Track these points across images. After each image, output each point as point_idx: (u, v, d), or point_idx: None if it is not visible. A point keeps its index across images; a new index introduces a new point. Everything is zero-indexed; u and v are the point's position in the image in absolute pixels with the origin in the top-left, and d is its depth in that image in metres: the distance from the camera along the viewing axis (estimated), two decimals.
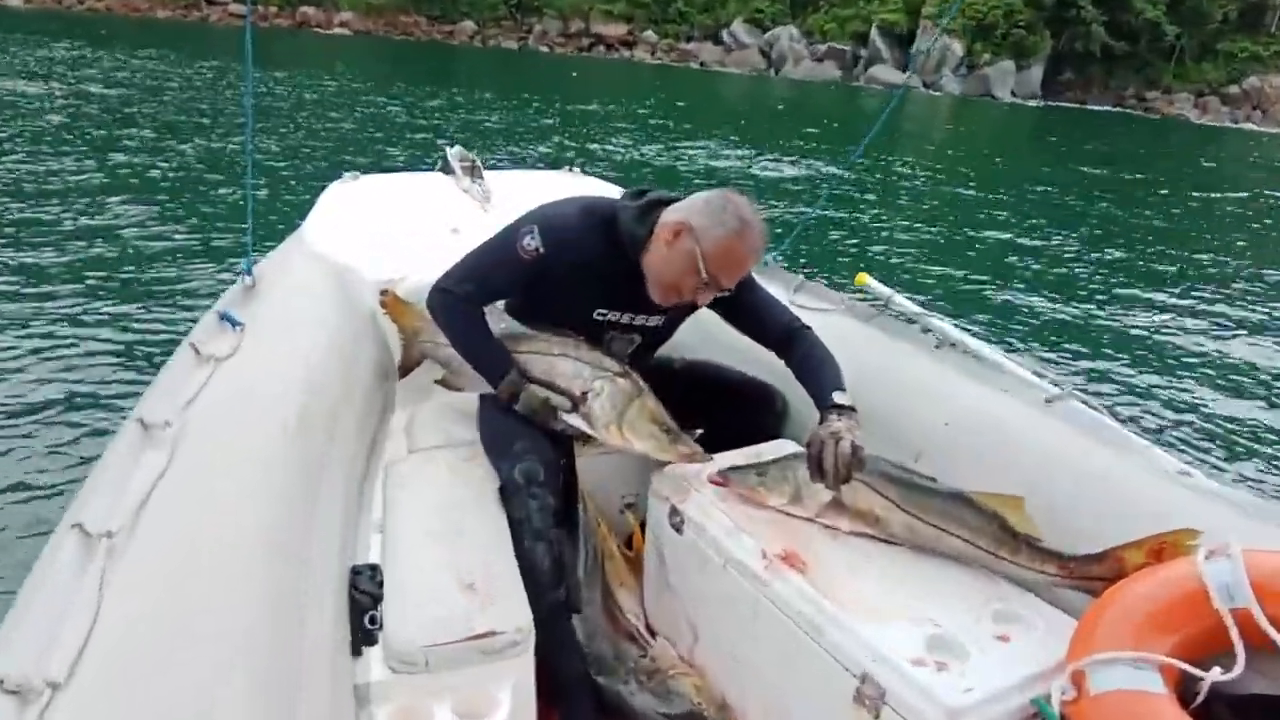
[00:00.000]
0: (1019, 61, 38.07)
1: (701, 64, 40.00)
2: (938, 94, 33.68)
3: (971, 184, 12.98)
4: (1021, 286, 7.61)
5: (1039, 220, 10.64)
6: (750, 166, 12.68)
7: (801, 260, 7.32)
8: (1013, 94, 37.29)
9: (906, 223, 9.85)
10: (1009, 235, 9.66)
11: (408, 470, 1.97)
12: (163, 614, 1.13)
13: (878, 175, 12.85)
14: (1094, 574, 1.52)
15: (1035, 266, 8.37)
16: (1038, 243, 9.43)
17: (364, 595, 1.51)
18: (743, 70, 39.00)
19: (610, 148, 12.85)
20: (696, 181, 10.86)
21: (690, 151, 13.47)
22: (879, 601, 1.50)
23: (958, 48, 37.67)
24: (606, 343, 2.04)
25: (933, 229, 9.71)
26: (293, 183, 8.78)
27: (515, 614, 1.52)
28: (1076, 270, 8.48)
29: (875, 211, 10.34)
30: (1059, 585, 1.56)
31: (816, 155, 14.28)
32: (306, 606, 1.34)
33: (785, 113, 21.93)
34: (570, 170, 3.57)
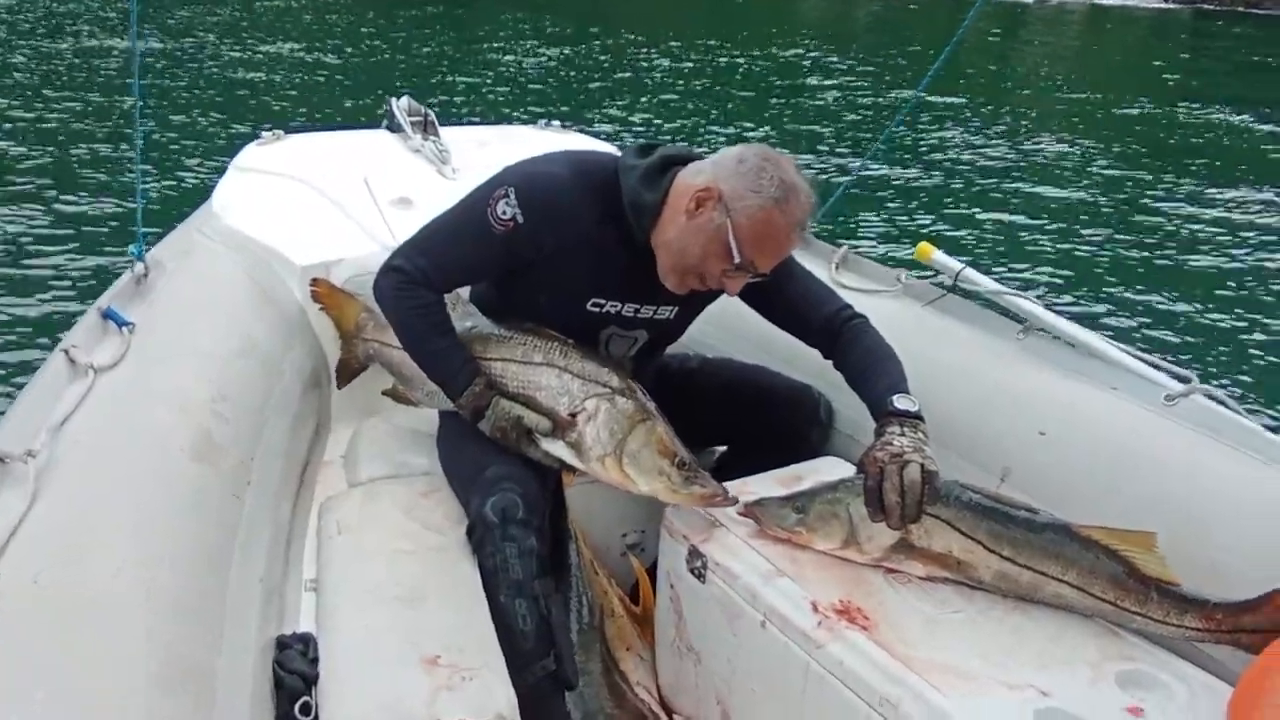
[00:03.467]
0: None
1: None
2: (1063, 3, 32.89)
3: (1088, 122, 12.57)
4: (1135, 266, 7.30)
5: (1176, 172, 10.12)
6: (787, 110, 12.54)
7: (845, 227, 7.21)
8: None
9: (990, 180, 9.58)
10: (1129, 191, 9.31)
11: (348, 510, 1.91)
12: (21, 711, 1.04)
13: (958, 116, 12.65)
14: (1249, 625, 1.45)
15: (1155, 243, 8.04)
16: (1169, 201, 8.94)
17: (293, 675, 1.44)
18: None
19: (619, 102, 12.73)
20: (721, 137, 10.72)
21: (735, 97, 13.30)
22: (967, 665, 1.43)
23: None
24: (603, 342, 1.97)
25: (1027, 186, 9.42)
26: (197, 145, 8.67)
27: (494, 695, 1.46)
28: (1224, 237, 8.02)
29: (947, 164, 10.10)
30: (1203, 640, 1.49)
31: (880, 89, 14.07)
32: (216, 692, 1.27)
33: (868, 30, 21.43)
34: (548, 125, 3.50)
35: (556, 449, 1.84)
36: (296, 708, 1.40)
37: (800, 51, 16.78)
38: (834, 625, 1.51)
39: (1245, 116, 13.08)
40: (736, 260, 1.75)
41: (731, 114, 12.05)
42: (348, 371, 2.29)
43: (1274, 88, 15.59)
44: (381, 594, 1.65)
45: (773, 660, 1.57)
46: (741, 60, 16.10)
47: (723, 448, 2.25)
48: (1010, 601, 1.57)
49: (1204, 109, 13.38)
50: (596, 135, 3.44)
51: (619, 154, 1.94)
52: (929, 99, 12.15)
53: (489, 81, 13.25)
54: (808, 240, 2.51)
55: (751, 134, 10.90)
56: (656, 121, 11.50)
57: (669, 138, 10.49)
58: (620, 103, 12.52)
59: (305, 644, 1.51)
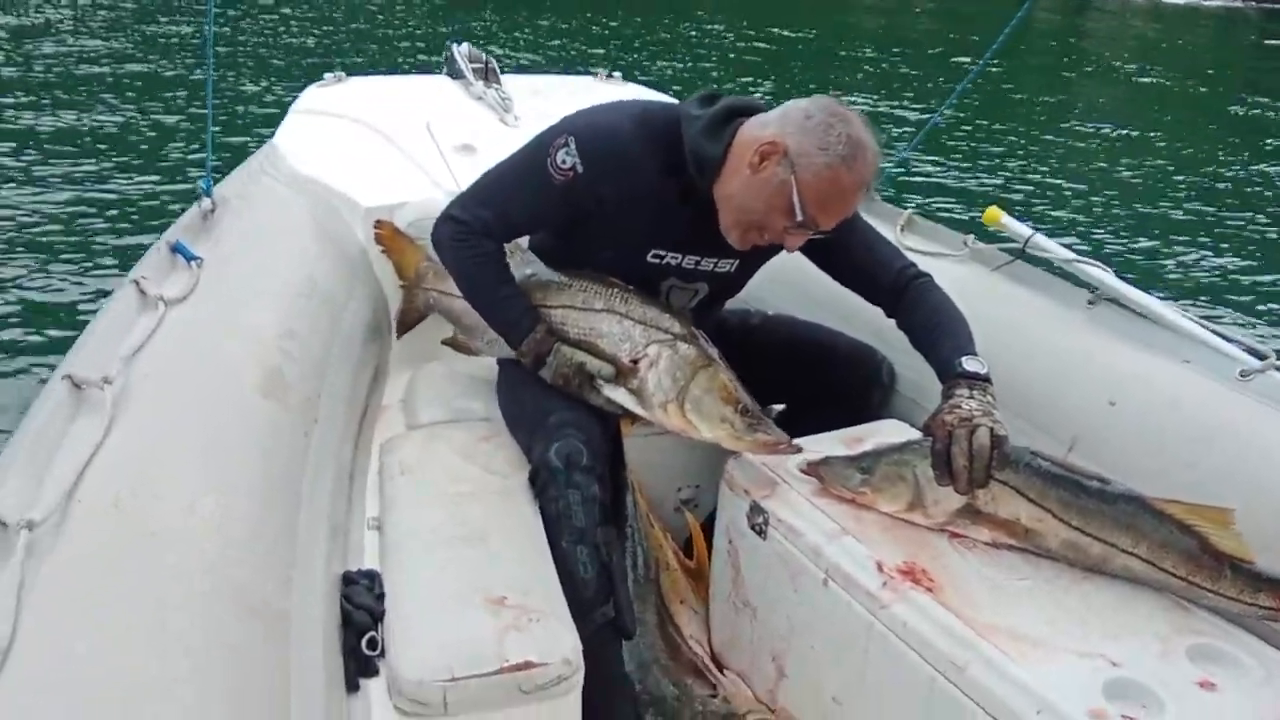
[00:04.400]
0: None
1: None
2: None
3: (1158, 100, 12.37)
4: (1209, 241, 7.16)
5: (1251, 151, 9.89)
6: (850, 72, 12.33)
7: (911, 189, 7.09)
8: None
9: (1060, 148, 9.44)
10: (1204, 166, 9.14)
11: (409, 452, 1.90)
12: (103, 634, 1.05)
13: (1026, 86, 12.40)
14: None
15: (1231, 218, 7.85)
16: (1244, 176, 8.84)
17: (361, 610, 1.43)
18: None
19: (679, 57, 12.54)
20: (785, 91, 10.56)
21: (799, 55, 13.08)
22: (1035, 631, 1.41)
23: None
24: (664, 293, 1.94)
25: (1098, 156, 9.29)
26: (264, 83, 8.67)
27: (560, 639, 1.44)
28: None
29: (1016, 131, 9.95)
30: (1277, 620, 1.46)
31: (947, 55, 13.81)
32: (288, 624, 1.27)
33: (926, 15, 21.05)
34: (607, 76, 3.46)
35: (619, 395, 1.82)
36: (364, 642, 1.40)
37: (864, 21, 16.51)
38: (899, 586, 1.49)
39: None
40: (799, 218, 1.71)
41: (792, 77, 11.92)
42: (407, 321, 2.28)
43: None
44: (444, 534, 1.64)
45: (835, 619, 1.56)
46: (804, 30, 15.90)
47: (781, 407, 2.22)
48: (1079, 572, 1.54)
49: (1275, 95, 13.07)
50: (656, 88, 3.38)
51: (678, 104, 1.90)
52: (995, 69, 11.96)
53: (548, 34, 13.15)
54: (873, 199, 2.46)
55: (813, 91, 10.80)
56: (716, 75, 11.39)
57: (732, 87, 10.41)
58: (680, 57, 12.41)
59: (371, 580, 1.50)
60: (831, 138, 1.68)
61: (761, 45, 13.83)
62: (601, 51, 12.19)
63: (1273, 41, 20.69)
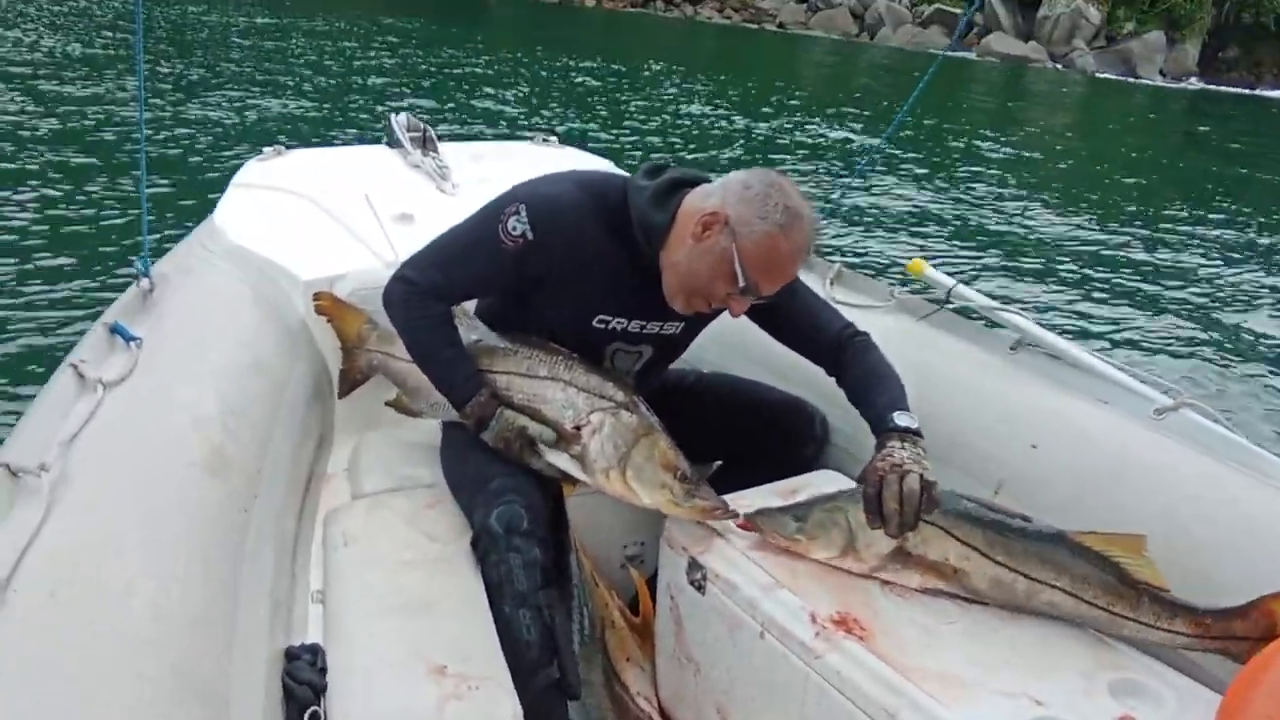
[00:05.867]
0: (1171, 34, 35.36)
1: (780, 25, 38.25)
2: (1067, 70, 32.67)
3: (1079, 158, 12.81)
4: (1124, 288, 7.41)
5: (1173, 225, 10.18)
6: (793, 133, 12.58)
7: (838, 243, 7.21)
8: (1161, 73, 35.21)
9: (979, 201, 9.72)
10: (1119, 218, 9.47)
11: (353, 522, 1.91)
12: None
13: (946, 145, 12.73)
14: (1238, 632, 1.46)
15: (1143, 269, 8.12)
16: (1167, 251, 9.10)
17: (303, 686, 1.44)
18: (830, 34, 37.91)
19: (640, 121, 12.72)
20: (722, 159, 10.72)
21: (738, 125, 13.36)
22: (964, 673, 1.44)
23: (1094, 14, 34.86)
24: (609, 357, 1.99)
25: (1016, 208, 9.58)
26: (201, 160, 8.65)
27: (500, 705, 1.46)
28: (1208, 285, 8.12)
29: (936, 186, 10.21)
30: (1192, 648, 1.51)
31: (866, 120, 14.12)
32: (228, 704, 1.28)
33: (872, 84, 21.47)
34: (545, 141, 3.51)
35: (561, 460, 1.85)
36: (306, 717, 1.40)
37: (795, 89, 16.90)
38: (832, 635, 1.52)
39: (1234, 168, 13.31)
40: (742, 284, 1.77)
41: (726, 138, 12.10)
42: (349, 381, 2.29)
43: (1269, 162, 15.78)
44: (387, 604, 1.65)
45: (772, 671, 1.59)
46: (733, 91, 16.22)
47: (719, 462, 2.26)
48: (1005, 613, 1.58)
49: (1193, 157, 13.52)
50: (593, 151, 3.45)
51: (626, 175, 1.96)
52: (914, 132, 12.28)
53: (485, 98, 13.28)
54: (810, 262, 2.53)
55: (744, 157, 10.98)
56: (650, 139, 11.55)
57: (663, 157, 10.55)
58: (613, 120, 12.57)
59: (314, 654, 1.51)
60: (769, 207, 1.74)
61: (697, 110, 14.04)
62: (542, 117, 12.34)
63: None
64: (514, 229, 1.81)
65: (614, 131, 11.88)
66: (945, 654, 1.49)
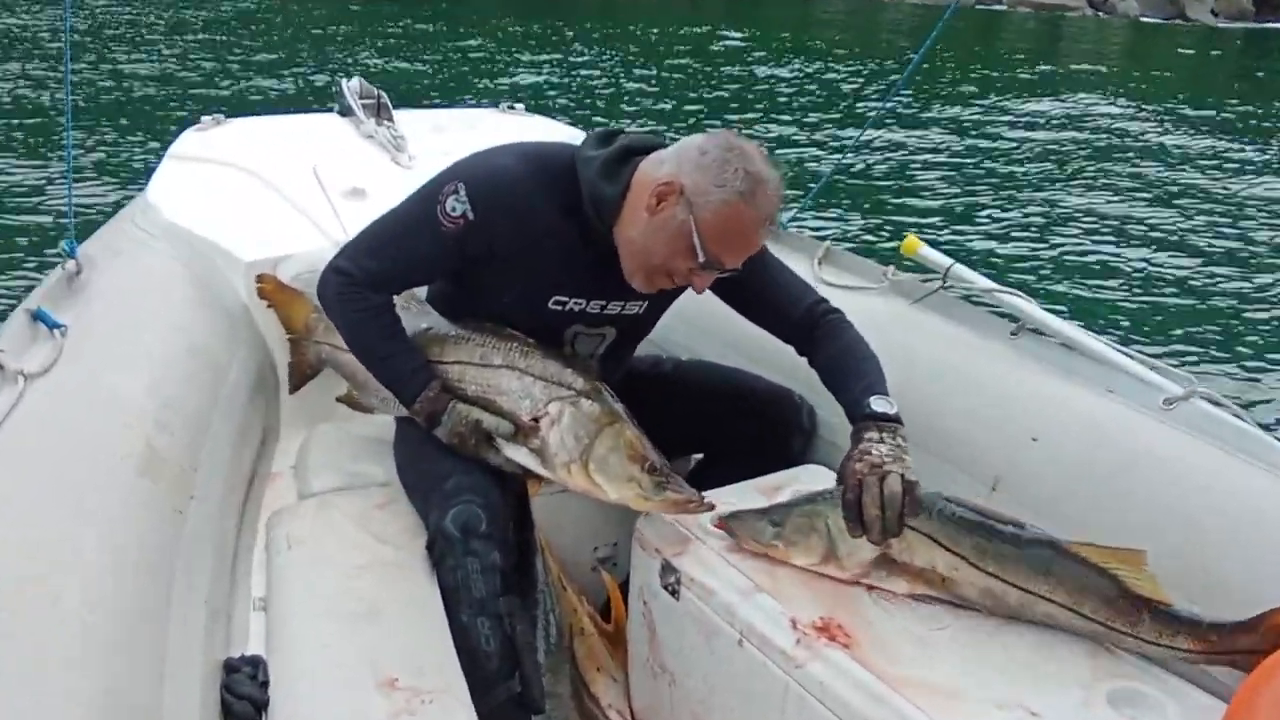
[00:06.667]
0: None
1: None
2: (1108, 16, 32.22)
3: (1080, 123, 12.71)
4: (1131, 269, 7.32)
5: (1212, 189, 9.87)
6: (765, 101, 12.55)
7: (827, 221, 7.24)
8: (1213, 13, 34.98)
9: (980, 174, 9.61)
10: (1123, 205, 9.33)
11: (299, 524, 1.92)
12: None
13: (947, 109, 12.61)
14: (1244, 646, 1.47)
15: (1153, 246, 7.97)
16: (1202, 218, 8.87)
17: (242, 701, 1.45)
18: None
19: (586, 85, 12.64)
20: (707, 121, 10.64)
21: (732, 77, 13.18)
22: (954, 683, 1.46)
23: None
24: (569, 341, 2.00)
25: (1018, 181, 9.47)
26: (134, 131, 8.60)
27: (456, 718, 1.48)
28: (1238, 261, 7.88)
29: (933, 157, 10.11)
30: (1197, 663, 1.53)
31: (864, 82, 14.03)
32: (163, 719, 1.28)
33: (894, 40, 21.15)
34: (511, 108, 3.52)
35: (519, 455, 1.86)
36: None
37: (784, 45, 16.83)
38: (814, 643, 1.54)
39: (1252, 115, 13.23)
40: (702, 259, 1.78)
41: (707, 103, 12.06)
42: (299, 376, 2.30)
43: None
44: (335, 612, 1.66)
45: (751, 680, 1.60)
46: (718, 51, 16.13)
47: (698, 456, 2.28)
48: (999, 618, 1.60)
49: (1248, 104, 13.37)
50: (563, 119, 3.46)
51: (580, 142, 1.95)
52: (914, 94, 12.21)
53: (447, 63, 13.18)
54: (779, 234, 2.55)
55: (731, 119, 10.91)
56: (625, 107, 11.51)
57: (635, 124, 10.50)
58: (587, 86, 12.51)
59: (255, 667, 1.52)
60: (728, 173, 1.74)
61: (676, 74, 13.98)
62: (508, 82, 12.27)
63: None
64: (453, 209, 1.82)
65: (595, 98, 11.85)
66: (935, 662, 1.51)
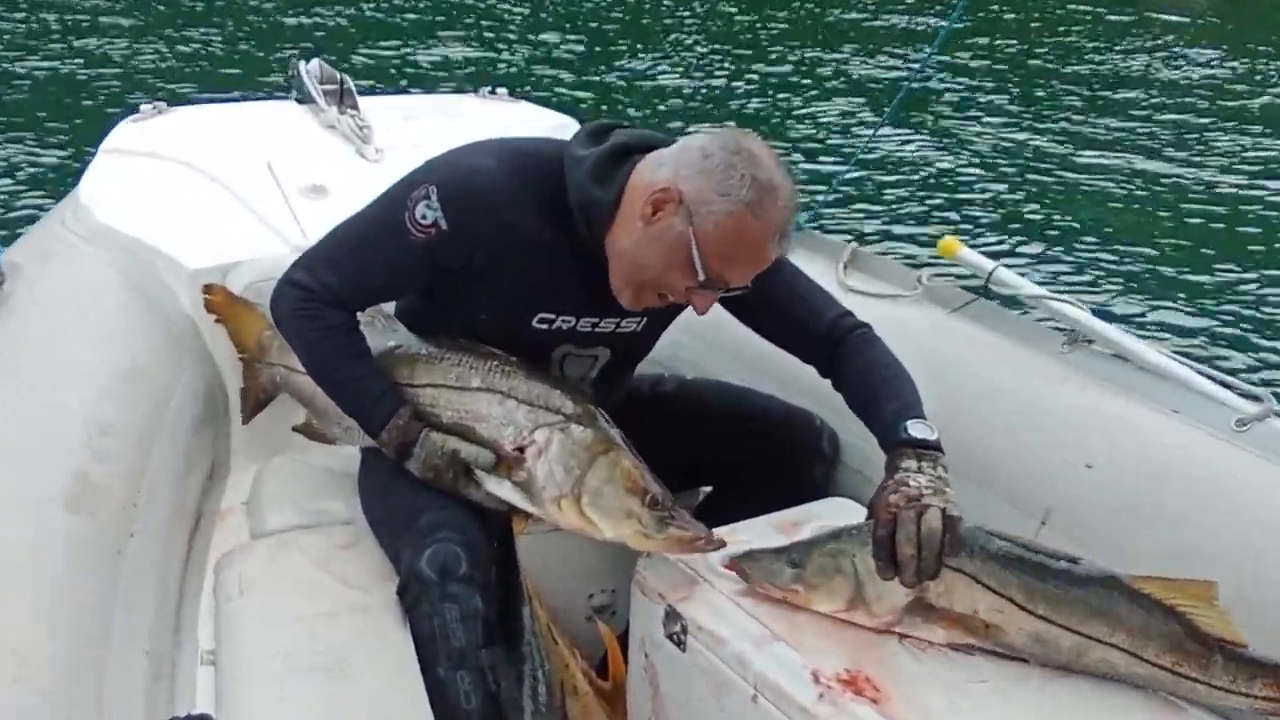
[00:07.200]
0: None
1: None
2: None
3: (1138, 107, 12.59)
4: (1197, 273, 7.19)
5: (1243, 178, 9.78)
6: (783, 89, 12.54)
7: (853, 219, 7.26)
8: None
9: (1025, 166, 9.56)
10: (1188, 199, 9.25)
11: (252, 566, 1.94)
12: None
13: (987, 90, 12.59)
14: None
15: (1222, 246, 7.87)
16: (1230, 211, 8.72)
17: None
18: None
19: (578, 67, 12.62)
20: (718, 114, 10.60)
21: (748, 67, 13.19)
22: None
23: None
24: (557, 363, 2.02)
25: (1071, 173, 9.40)
26: (62, 121, 8.62)
27: None
28: None
29: (973, 147, 10.05)
30: (1274, 714, 1.54)
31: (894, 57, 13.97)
32: None
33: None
34: (492, 93, 3.54)
35: (503, 490, 1.87)
36: None
37: (802, 19, 16.83)
38: (838, 698, 1.54)
39: None
40: (702, 277, 1.78)
41: (714, 92, 12.04)
42: (252, 401, 2.32)
43: None
44: (295, 666, 1.67)
45: None
46: (732, 24, 16.12)
47: (707, 489, 2.30)
48: (1049, 669, 1.61)
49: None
50: (554, 106, 3.48)
51: (569, 136, 1.96)
52: (949, 71, 12.13)
53: (419, 41, 13.17)
54: (808, 237, 2.58)
55: (742, 102, 10.91)
56: (624, 93, 11.48)
57: (635, 113, 10.48)
58: (580, 68, 12.49)
59: None
60: (733, 180, 1.74)
61: (684, 53, 13.97)
62: (489, 63, 12.25)
63: None
64: (423, 217, 1.83)
65: (589, 82, 11.83)
66: (975, 719, 1.52)
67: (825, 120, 10.50)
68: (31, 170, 7.26)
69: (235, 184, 2.72)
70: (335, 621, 1.79)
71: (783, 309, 2.02)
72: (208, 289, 2.31)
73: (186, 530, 2.04)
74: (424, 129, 3.01)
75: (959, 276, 2.40)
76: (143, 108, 3.12)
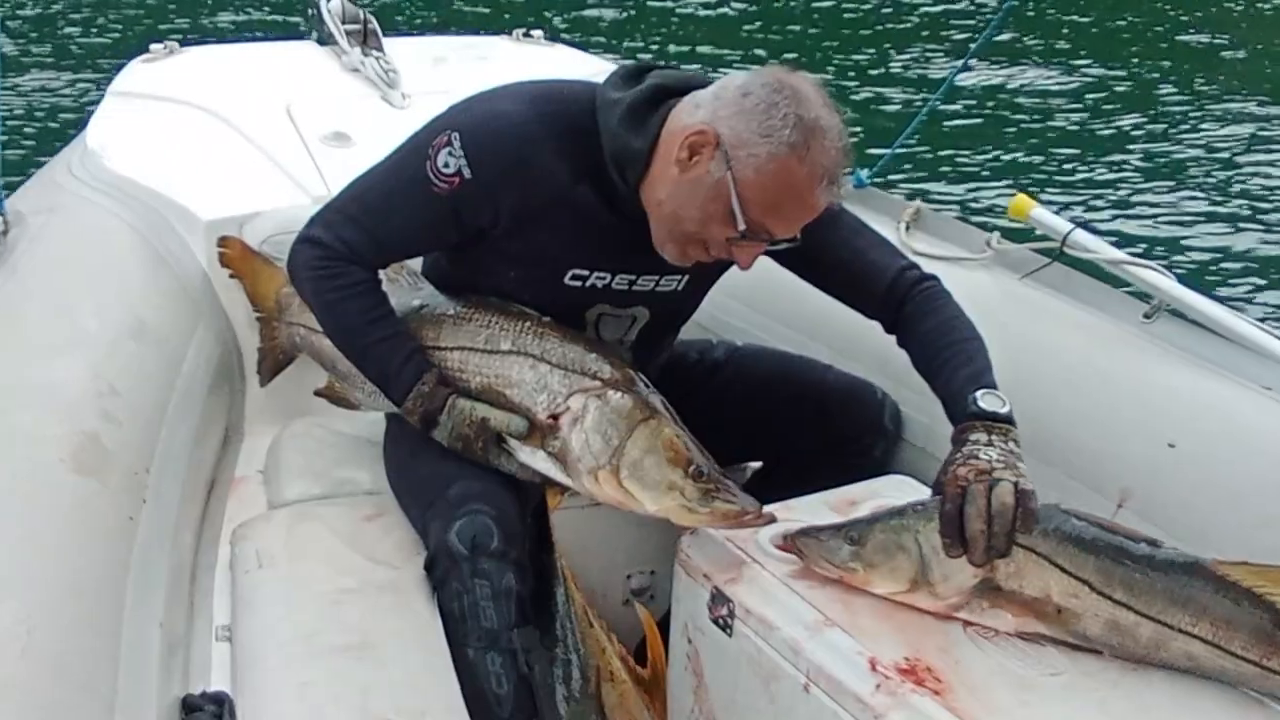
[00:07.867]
0: None
1: None
2: None
3: (1237, 63, 12.42)
4: None
5: None
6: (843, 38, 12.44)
7: (918, 176, 7.22)
8: None
9: (1105, 120, 9.43)
10: None
11: (270, 538, 1.95)
12: None
13: (1066, 38, 12.44)
14: None
15: None
16: None
17: None
18: None
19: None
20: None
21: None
22: None
23: None
24: (592, 324, 2.02)
25: (1157, 128, 9.21)
26: (69, 61, 8.66)
27: None
28: None
29: (1050, 98, 9.98)
30: None
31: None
32: None
33: None
34: (527, 36, 3.53)
35: (536, 460, 1.88)
36: None
37: None
38: (897, 689, 1.53)
39: None
40: (742, 227, 1.76)
41: (770, 35, 11.95)
42: (270, 363, 2.34)
43: None
44: (316, 644, 1.69)
45: None
46: None
47: (757, 464, 2.30)
48: (1125, 663, 1.60)
49: None
50: (592, 50, 3.48)
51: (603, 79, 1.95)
52: (1029, 20, 11.96)
53: None
54: (869, 195, 2.56)
55: (797, 52, 10.82)
56: (666, 37, 11.41)
57: (677, 60, 10.40)
58: (621, 5, 12.43)
59: (219, 705, 1.53)
60: (775, 120, 1.72)
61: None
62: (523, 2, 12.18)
63: None
64: (446, 166, 1.83)
65: (630, 24, 11.76)
66: (1047, 714, 1.51)
67: (892, 69, 10.42)
68: (37, 112, 7.30)
69: (252, 130, 2.72)
70: (359, 598, 1.80)
71: (844, 261, 2.01)
72: (223, 242, 2.32)
73: (201, 498, 2.05)
74: (454, 73, 3.02)
75: (1031, 239, 2.38)
76: (153, 47, 3.13)
